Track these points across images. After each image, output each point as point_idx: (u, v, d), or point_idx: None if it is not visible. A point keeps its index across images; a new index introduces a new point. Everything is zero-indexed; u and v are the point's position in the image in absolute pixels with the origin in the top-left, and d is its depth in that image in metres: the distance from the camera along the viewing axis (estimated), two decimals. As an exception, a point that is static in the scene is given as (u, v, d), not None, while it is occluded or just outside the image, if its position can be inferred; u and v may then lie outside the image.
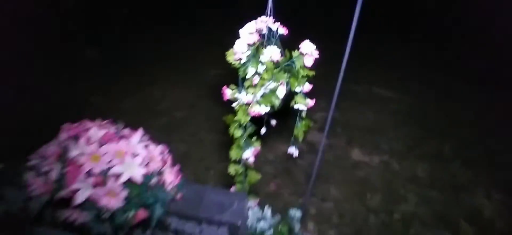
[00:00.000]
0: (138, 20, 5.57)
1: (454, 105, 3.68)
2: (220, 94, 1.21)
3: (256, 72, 1.11)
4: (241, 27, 1.12)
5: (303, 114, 1.25)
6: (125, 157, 1.06)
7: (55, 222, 1.38)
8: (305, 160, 2.58)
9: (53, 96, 3.21)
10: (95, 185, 1.03)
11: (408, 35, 5.78)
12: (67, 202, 1.10)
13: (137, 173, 1.06)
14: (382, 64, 4.65)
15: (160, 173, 1.15)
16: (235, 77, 1.19)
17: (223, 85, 1.21)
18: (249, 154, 1.25)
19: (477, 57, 4.91)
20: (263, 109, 1.14)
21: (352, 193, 2.32)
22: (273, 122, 1.35)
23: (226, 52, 1.14)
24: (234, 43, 1.11)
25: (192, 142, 2.73)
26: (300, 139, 1.29)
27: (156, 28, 5.27)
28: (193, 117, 3.06)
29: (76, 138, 1.10)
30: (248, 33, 1.12)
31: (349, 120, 3.28)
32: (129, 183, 1.05)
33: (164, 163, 1.19)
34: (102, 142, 1.09)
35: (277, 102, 1.16)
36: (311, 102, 1.22)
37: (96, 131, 1.12)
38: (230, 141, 1.32)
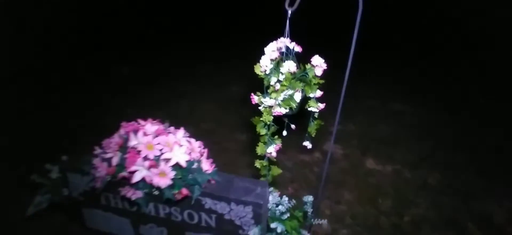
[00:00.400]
0: (166, 40, 6.13)
1: (467, 117, 3.78)
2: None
3: (278, 81, 1.39)
4: (259, 47, 1.41)
5: (316, 115, 1.50)
6: (173, 146, 1.36)
7: (109, 205, 1.69)
8: (321, 167, 2.79)
9: (94, 107, 3.66)
10: (150, 167, 1.33)
11: (423, 52, 5.94)
12: (125, 182, 1.40)
13: (182, 159, 1.34)
14: (398, 80, 4.82)
15: (198, 161, 1.43)
16: (254, 90, 1.48)
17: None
18: (272, 150, 1.51)
19: (488, 71, 5.01)
20: (283, 110, 1.40)
21: (365, 198, 2.49)
22: (293, 126, 1.61)
23: (254, 66, 1.42)
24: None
25: (217, 150, 3.01)
26: (313, 134, 1.53)
27: (181, 46, 5.76)
28: (218, 128, 3.37)
29: (135, 131, 1.41)
30: (271, 50, 1.41)
31: (364, 133, 3.46)
32: (176, 166, 1.34)
33: (202, 154, 1.48)
34: (155, 135, 1.40)
35: (294, 105, 1.42)
36: (321, 105, 1.48)
37: (150, 126, 1.43)
38: (251, 150, 1.57)
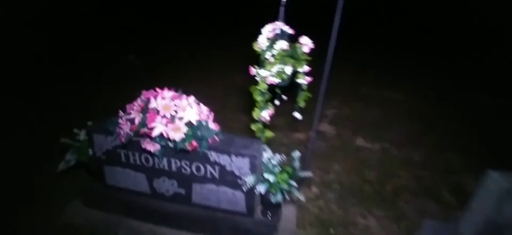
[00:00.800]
0: (172, 29, 6.48)
1: (455, 105, 4.05)
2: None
3: (272, 55, 1.69)
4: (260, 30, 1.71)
5: (304, 87, 1.80)
6: (186, 108, 1.67)
7: (127, 162, 2.01)
8: (316, 145, 3.08)
9: (104, 88, 4.02)
10: (166, 124, 1.64)
11: (419, 45, 6.20)
12: (145, 137, 1.72)
13: (193, 118, 1.66)
14: (393, 70, 5.09)
15: (206, 122, 1.74)
16: (254, 80, 1.77)
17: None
18: (265, 114, 1.81)
19: (478, 64, 5.27)
20: (276, 80, 1.70)
21: (352, 169, 2.79)
22: (284, 97, 1.91)
23: (253, 43, 1.72)
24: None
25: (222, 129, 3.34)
26: (301, 105, 1.82)
27: (187, 37, 6.10)
28: (222, 109, 3.68)
29: (154, 96, 1.73)
30: (268, 31, 1.71)
31: (358, 116, 3.75)
32: (188, 124, 1.65)
33: (208, 116, 1.79)
34: (171, 99, 1.71)
35: (285, 77, 1.72)
36: (308, 79, 1.77)
37: (167, 92, 1.74)
38: (250, 129, 1.88)
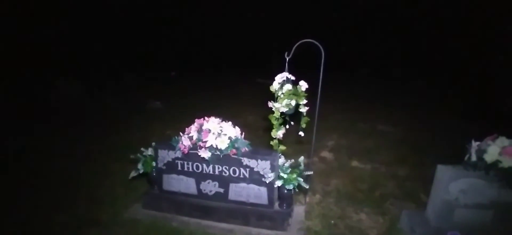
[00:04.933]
0: (189, 80, 7.80)
1: (438, 133, 5.01)
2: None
3: (282, 93, 2.74)
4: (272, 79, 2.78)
5: (304, 114, 2.81)
6: (227, 127, 2.69)
7: (182, 169, 2.97)
8: (317, 166, 4.02)
9: (141, 130, 5.09)
10: (216, 138, 2.65)
11: (412, 83, 7.36)
12: (201, 148, 2.72)
13: (232, 134, 2.66)
14: (386, 108, 6.16)
15: (240, 138, 2.75)
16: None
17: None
18: (280, 133, 2.80)
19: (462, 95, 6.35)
20: (285, 110, 2.73)
21: (348, 182, 3.69)
22: (292, 122, 2.92)
23: (270, 86, 2.78)
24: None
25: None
26: (303, 126, 2.81)
27: (203, 86, 7.37)
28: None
29: (206, 121, 2.75)
30: (279, 78, 2.79)
31: (353, 146, 4.72)
32: (229, 138, 2.66)
33: (241, 134, 2.80)
34: (217, 123, 2.74)
35: (291, 107, 2.75)
36: (306, 108, 2.79)
37: (213, 118, 2.77)
38: (269, 145, 2.88)
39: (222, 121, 2.80)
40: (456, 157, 2.74)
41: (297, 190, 2.80)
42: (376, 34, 11.95)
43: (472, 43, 8.63)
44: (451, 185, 2.62)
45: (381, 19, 11.47)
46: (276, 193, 2.86)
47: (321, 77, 2.80)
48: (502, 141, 2.48)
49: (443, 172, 2.70)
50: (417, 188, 3.59)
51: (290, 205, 2.92)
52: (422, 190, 3.55)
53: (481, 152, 2.52)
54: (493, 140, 2.52)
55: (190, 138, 2.75)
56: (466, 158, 2.64)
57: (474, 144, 2.60)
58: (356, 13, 12.10)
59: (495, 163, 2.44)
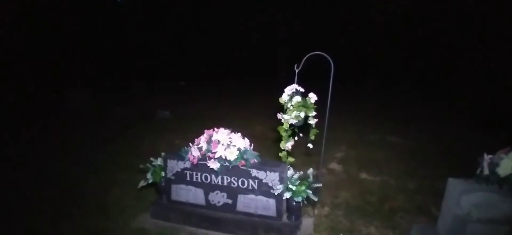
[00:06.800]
0: (197, 90, 7.92)
1: (448, 145, 4.98)
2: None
3: (291, 105, 2.78)
4: (278, 91, 2.82)
5: (313, 126, 2.84)
6: (237, 139, 2.73)
7: (191, 180, 3.02)
8: (325, 177, 4.03)
9: (150, 139, 5.17)
10: (225, 149, 2.69)
11: (421, 95, 7.34)
12: (210, 158, 2.76)
13: (241, 145, 2.71)
14: (394, 119, 6.15)
15: (249, 149, 2.78)
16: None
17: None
18: (289, 145, 2.83)
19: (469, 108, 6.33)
20: (294, 121, 2.76)
21: (357, 195, 3.68)
22: (300, 134, 2.95)
23: (279, 98, 2.82)
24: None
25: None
26: (312, 138, 2.84)
27: (211, 96, 7.46)
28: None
29: (215, 132, 2.80)
30: (289, 90, 2.83)
31: (362, 157, 4.72)
32: (238, 149, 2.70)
33: (250, 145, 2.84)
34: (227, 134, 2.78)
35: (300, 119, 2.78)
36: (315, 120, 2.82)
37: (222, 129, 2.82)
38: (277, 156, 2.92)
39: (231, 132, 2.85)
40: (468, 169, 2.73)
41: (305, 202, 2.81)
42: (385, 45, 12.01)
43: (484, 51, 8.62)
44: (463, 199, 2.61)
45: (391, 31, 11.55)
46: (284, 205, 2.87)
47: (330, 89, 2.83)
48: (515, 155, 2.47)
49: (454, 185, 2.69)
50: (427, 201, 3.57)
51: (298, 217, 2.93)
52: (433, 203, 3.52)
53: (493, 166, 2.50)
54: (506, 153, 2.51)
55: (200, 149, 2.80)
56: (478, 171, 2.62)
57: (486, 157, 2.58)
58: (366, 23, 12.21)
59: (509, 177, 2.43)
